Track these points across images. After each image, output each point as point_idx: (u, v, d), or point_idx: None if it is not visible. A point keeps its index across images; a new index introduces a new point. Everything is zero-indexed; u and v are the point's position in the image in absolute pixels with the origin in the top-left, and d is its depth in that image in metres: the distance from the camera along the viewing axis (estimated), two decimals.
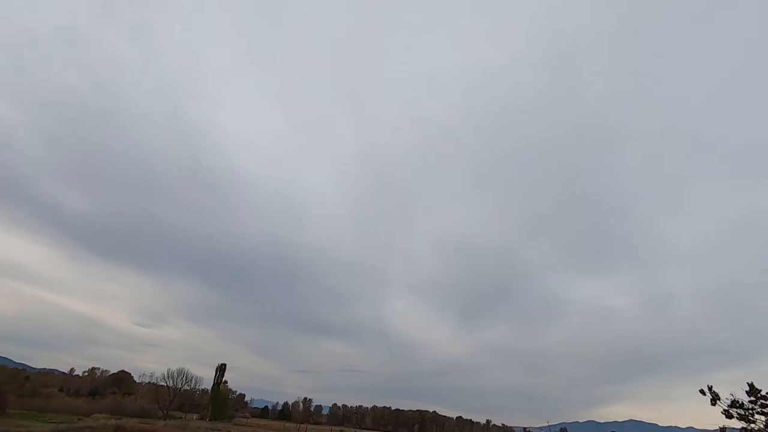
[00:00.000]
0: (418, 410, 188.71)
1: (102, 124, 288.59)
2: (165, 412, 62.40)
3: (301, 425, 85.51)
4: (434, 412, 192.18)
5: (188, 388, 73.20)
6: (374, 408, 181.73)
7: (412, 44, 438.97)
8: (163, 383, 68.85)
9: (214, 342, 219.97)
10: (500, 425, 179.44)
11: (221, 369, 74.25)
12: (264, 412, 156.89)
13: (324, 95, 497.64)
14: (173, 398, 66.85)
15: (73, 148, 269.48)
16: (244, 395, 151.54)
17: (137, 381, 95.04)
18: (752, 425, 7.20)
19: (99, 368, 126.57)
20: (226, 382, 78.08)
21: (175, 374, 68.74)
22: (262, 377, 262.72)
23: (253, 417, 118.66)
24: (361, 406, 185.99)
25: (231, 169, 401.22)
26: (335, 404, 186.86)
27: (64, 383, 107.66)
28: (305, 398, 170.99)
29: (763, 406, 7.23)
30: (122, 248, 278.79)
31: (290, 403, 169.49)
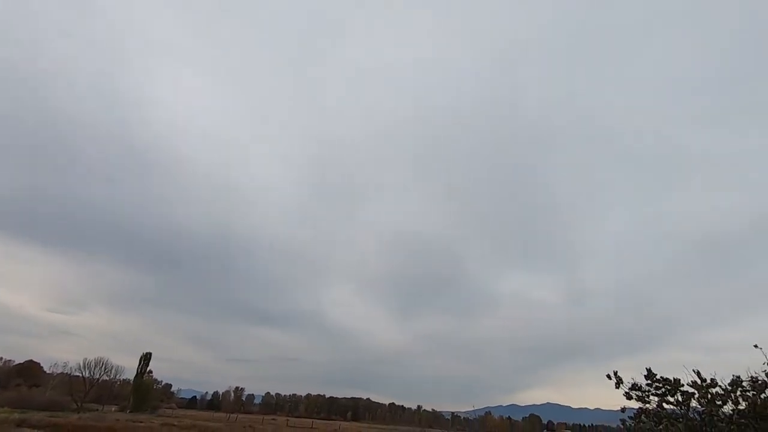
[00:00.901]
0: (352, 398, 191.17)
1: (10, 85, 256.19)
2: (79, 404, 57.80)
3: (231, 415, 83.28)
4: (368, 399, 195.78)
5: (107, 378, 68.40)
6: (308, 396, 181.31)
7: (367, 32, 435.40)
8: (78, 374, 63.63)
9: (140, 330, 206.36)
10: (430, 410, 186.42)
11: (146, 358, 70.44)
12: (192, 403, 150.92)
13: (271, 75, 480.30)
14: (89, 389, 62.06)
15: None
16: (170, 385, 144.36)
17: (48, 371, 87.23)
18: (647, 405, 8.13)
19: (2, 358, 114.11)
20: (150, 371, 74.14)
21: (93, 364, 63.84)
22: (193, 366, 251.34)
23: (180, 408, 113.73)
24: (295, 395, 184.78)
25: (163, 146, 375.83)
26: (268, 393, 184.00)
27: None
28: (237, 387, 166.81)
29: (657, 388, 8.18)
30: (35, 227, 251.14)
31: (221, 392, 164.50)
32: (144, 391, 67.20)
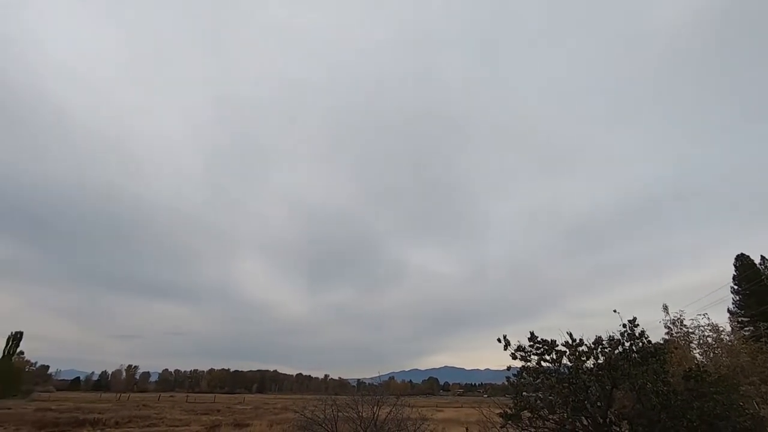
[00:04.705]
0: (258, 370, 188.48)
1: None
2: None
3: (122, 394, 77.26)
4: (275, 371, 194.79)
5: None
6: (211, 371, 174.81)
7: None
8: None
9: (5, 306, 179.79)
10: (337, 379, 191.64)
11: (15, 338, 62.28)
12: (75, 384, 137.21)
13: (176, 27, 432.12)
14: None
15: None
16: (47, 367, 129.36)
17: None
18: (528, 363, 9.28)
19: None
20: (21, 352, 65.63)
21: None
22: (75, 345, 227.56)
23: (60, 390, 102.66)
24: (196, 370, 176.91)
25: (41, 94, 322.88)
26: (166, 370, 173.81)
27: None
28: (129, 365, 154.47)
29: (537, 349, 9.34)
30: None
31: (110, 372, 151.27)
32: (13, 375, 59.33)
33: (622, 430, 8.37)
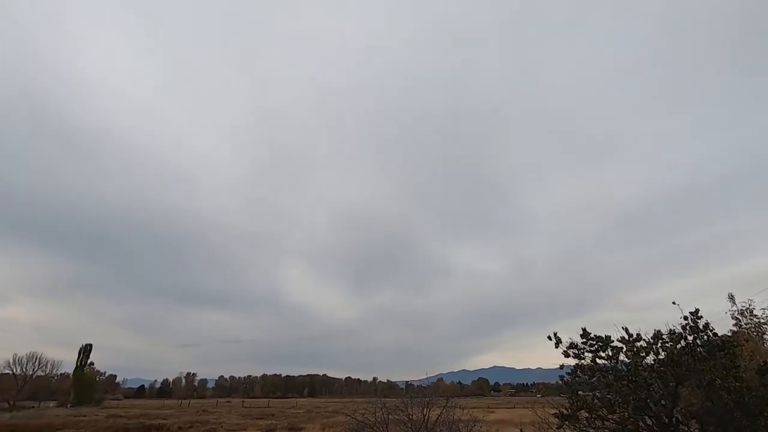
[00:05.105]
0: (308, 375, 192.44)
1: None
2: (11, 402, 53.83)
3: (183, 401, 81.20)
4: (324, 375, 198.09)
5: (42, 373, 63.93)
6: (264, 376, 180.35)
7: (312, 2, 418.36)
8: (8, 371, 58.90)
9: (74, 320, 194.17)
10: (386, 381, 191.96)
11: (86, 350, 67.12)
12: (140, 392, 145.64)
13: (213, 47, 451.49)
14: (21, 387, 57.88)
15: None
16: (115, 376, 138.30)
17: None
18: (582, 361, 8.89)
19: None
20: (92, 363, 70.59)
21: (25, 359, 59.43)
22: (137, 355, 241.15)
23: (126, 398, 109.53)
24: (250, 376, 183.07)
25: (95, 121, 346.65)
26: (222, 376, 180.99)
27: None
28: (188, 373, 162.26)
29: (591, 346, 8.94)
30: None
31: (171, 379, 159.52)
32: (86, 384, 63.92)
33: (691, 429, 7.83)
